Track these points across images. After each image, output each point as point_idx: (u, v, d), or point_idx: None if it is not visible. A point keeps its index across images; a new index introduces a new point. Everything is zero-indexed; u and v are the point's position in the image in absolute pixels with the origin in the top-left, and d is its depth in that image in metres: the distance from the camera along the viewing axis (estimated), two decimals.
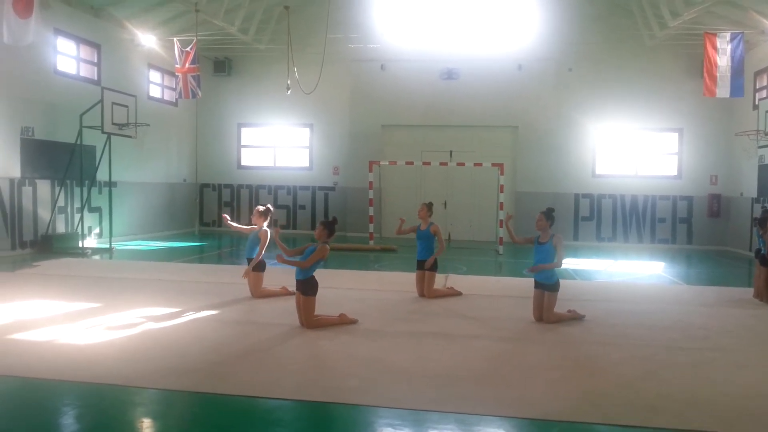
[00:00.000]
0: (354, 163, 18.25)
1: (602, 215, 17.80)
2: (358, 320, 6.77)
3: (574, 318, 7.21)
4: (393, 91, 17.99)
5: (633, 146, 17.90)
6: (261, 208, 8.14)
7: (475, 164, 15.63)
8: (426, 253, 8.44)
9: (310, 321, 6.41)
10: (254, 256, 7.96)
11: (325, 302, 6.66)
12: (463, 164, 15.79)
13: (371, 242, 15.27)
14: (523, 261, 13.66)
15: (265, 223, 8.05)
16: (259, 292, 8.03)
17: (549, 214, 7.15)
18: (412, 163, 16.07)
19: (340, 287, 8.50)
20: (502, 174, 14.69)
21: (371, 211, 15.53)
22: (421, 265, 8.45)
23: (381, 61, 18.06)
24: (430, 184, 18.16)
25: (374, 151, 17.77)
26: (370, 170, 15.48)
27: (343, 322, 6.65)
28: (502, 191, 14.64)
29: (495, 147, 17.81)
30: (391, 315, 7.31)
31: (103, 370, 4.90)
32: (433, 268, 8.42)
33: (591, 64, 17.59)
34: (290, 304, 7.01)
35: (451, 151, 17.89)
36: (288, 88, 13.08)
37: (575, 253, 15.32)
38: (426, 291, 8.39)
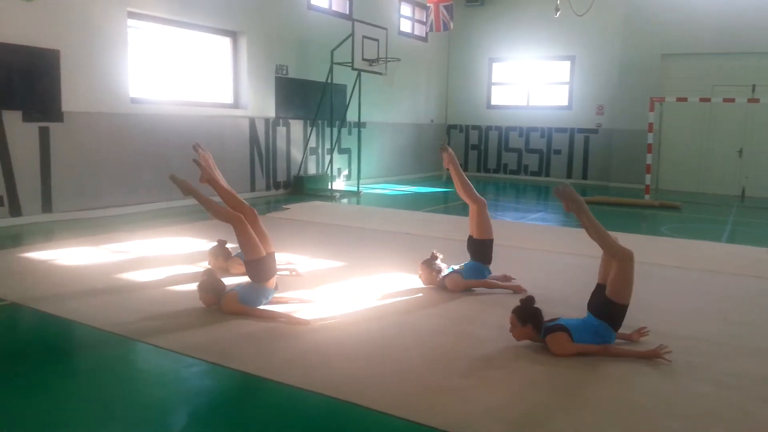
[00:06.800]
0: (623, 101, 15.57)
1: None
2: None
3: None
4: (678, 10, 14.78)
5: None
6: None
7: None
8: None
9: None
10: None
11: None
12: None
13: (647, 197, 12.74)
14: None
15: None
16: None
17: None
18: (708, 99, 12.91)
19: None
20: None
21: (649, 159, 12.90)
22: None
23: None
24: (721, 126, 14.79)
25: (649, 87, 14.86)
26: (651, 109, 12.75)
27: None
28: None
29: None
30: None
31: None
32: None
33: None
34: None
35: (753, 86, 14.22)
36: (557, 10, 11.06)
37: None
38: None
